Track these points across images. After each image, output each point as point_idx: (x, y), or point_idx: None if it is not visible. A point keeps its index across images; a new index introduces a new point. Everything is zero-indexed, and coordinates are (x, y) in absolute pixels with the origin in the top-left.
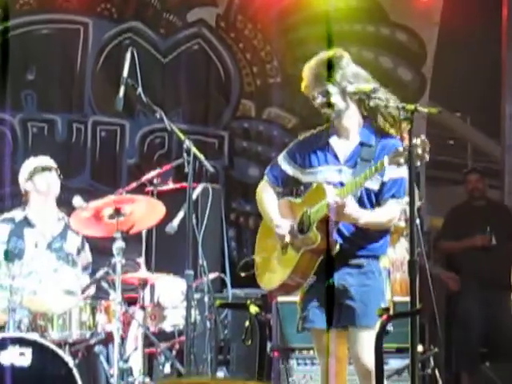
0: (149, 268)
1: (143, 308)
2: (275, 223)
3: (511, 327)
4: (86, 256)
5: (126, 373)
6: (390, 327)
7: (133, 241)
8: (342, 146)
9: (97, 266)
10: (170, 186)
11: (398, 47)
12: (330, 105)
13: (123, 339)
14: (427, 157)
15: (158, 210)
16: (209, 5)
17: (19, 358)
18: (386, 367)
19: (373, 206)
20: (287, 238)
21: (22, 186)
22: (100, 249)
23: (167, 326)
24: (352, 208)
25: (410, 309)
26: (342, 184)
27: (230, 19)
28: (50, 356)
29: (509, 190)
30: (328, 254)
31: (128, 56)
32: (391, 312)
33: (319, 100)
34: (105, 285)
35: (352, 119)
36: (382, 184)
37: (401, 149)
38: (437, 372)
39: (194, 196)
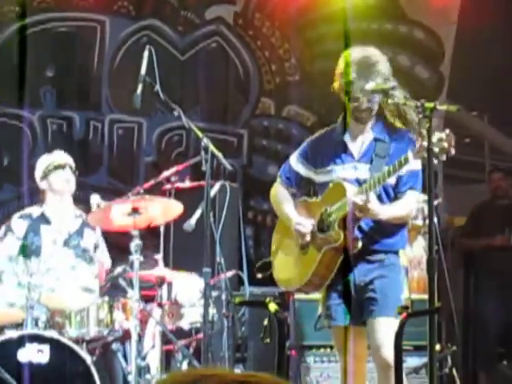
0: (166, 265)
1: (161, 306)
2: (295, 221)
3: None
4: (103, 255)
5: (143, 370)
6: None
7: (151, 238)
8: (356, 143)
9: (114, 264)
10: (188, 184)
11: (416, 45)
12: (370, 109)
13: (140, 337)
14: (453, 150)
15: (175, 208)
16: (226, 2)
17: (37, 355)
18: (403, 365)
19: (390, 200)
20: (308, 237)
21: (38, 184)
22: (118, 246)
23: (185, 324)
24: (375, 204)
25: (428, 307)
26: (357, 180)
27: (248, 17)
28: (67, 353)
29: None
30: (345, 251)
31: (146, 54)
32: (410, 310)
33: (364, 105)
34: (122, 282)
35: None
36: (399, 177)
37: (425, 143)
38: (454, 371)
39: (212, 194)
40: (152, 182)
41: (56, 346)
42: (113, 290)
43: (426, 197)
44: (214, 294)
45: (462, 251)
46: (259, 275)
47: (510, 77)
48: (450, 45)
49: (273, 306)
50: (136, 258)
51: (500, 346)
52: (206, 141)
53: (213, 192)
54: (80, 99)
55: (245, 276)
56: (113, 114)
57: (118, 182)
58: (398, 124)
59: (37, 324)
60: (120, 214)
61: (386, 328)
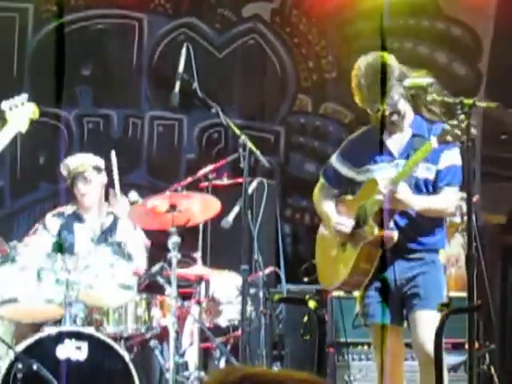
0: (204, 263)
1: (199, 303)
2: (335, 221)
3: None
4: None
5: (181, 367)
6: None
7: (189, 236)
8: (396, 141)
9: (154, 261)
10: (225, 181)
11: (453, 42)
12: (395, 111)
13: (178, 334)
14: (474, 131)
15: (213, 205)
16: (264, 0)
17: (75, 352)
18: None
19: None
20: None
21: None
22: (156, 243)
23: (222, 321)
24: (405, 193)
25: (467, 304)
26: None
27: (285, 14)
28: (105, 350)
29: None
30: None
31: (183, 51)
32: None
33: (388, 111)
34: (160, 279)
35: (404, 114)
36: (438, 172)
37: (447, 127)
38: (492, 369)
39: (250, 191)
40: (189, 179)
41: (94, 342)
42: (151, 287)
43: (463, 194)
44: (252, 291)
45: (500, 248)
46: (305, 279)
47: None
48: (487, 41)
49: (312, 303)
50: (174, 255)
51: None
52: (243, 138)
53: (250, 189)
54: (118, 97)
55: (282, 273)
56: (152, 110)
57: (159, 181)
58: (435, 117)
59: (75, 321)
60: (158, 210)
61: (429, 322)
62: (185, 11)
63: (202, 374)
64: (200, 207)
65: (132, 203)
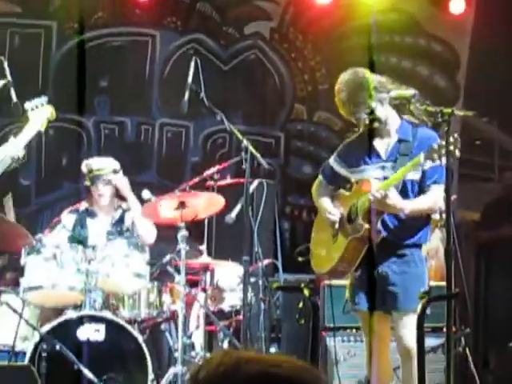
0: (209, 254)
1: (204, 290)
2: (328, 210)
3: None
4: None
5: (188, 348)
6: (427, 310)
7: (196, 230)
8: (383, 145)
9: (164, 253)
10: (229, 180)
11: (434, 57)
12: (376, 119)
13: (186, 318)
14: (458, 154)
15: (218, 202)
16: (264, 19)
17: (94, 333)
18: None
19: (416, 195)
20: (337, 225)
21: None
22: (166, 237)
23: (226, 307)
24: (394, 199)
25: (446, 292)
26: (385, 178)
27: (283, 32)
28: (121, 332)
29: None
30: (370, 243)
31: (192, 64)
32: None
33: (366, 119)
34: (170, 269)
35: (390, 121)
36: (423, 172)
37: (435, 146)
38: (467, 351)
39: (251, 190)
40: (197, 179)
41: (111, 325)
42: (162, 275)
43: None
44: (252, 280)
45: (475, 243)
46: (300, 259)
47: None
48: (465, 56)
49: (307, 291)
50: (182, 247)
51: (508, 329)
52: (245, 142)
53: (251, 188)
54: (132, 106)
55: (279, 264)
56: (162, 118)
57: (166, 180)
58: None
59: (94, 306)
60: (168, 207)
61: (408, 322)
62: (193, 28)
63: (208, 354)
64: (206, 204)
65: (145, 201)
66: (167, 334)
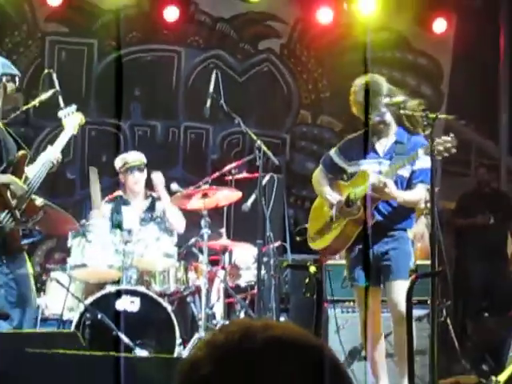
0: (228, 237)
1: (224, 268)
2: (327, 194)
3: (504, 286)
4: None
5: (210, 317)
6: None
7: (216, 217)
8: (382, 144)
9: (189, 236)
10: (245, 175)
11: (420, 69)
12: (383, 121)
13: (208, 292)
14: (454, 150)
15: (235, 193)
16: (275, 37)
17: (130, 305)
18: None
19: (404, 189)
20: (335, 208)
21: (119, 176)
22: (192, 222)
23: (242, 282)
24: (391, 187)
25: (430, 270)
26: (380, 172)
27: (291, 48)
28: (153, 304)
29: (504, 181)
30: (364, 226)
31: (213, 76)
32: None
33: (376, 120)
34: (195, 250)
35: (390, 124)
36: (412, 172)
37: (434, 143)
38: (448, 320)
39: (263, 183)
40: (217, 173)
41: (144, 298)
42: (187, 255)
43: (428, 186)
44: (265, 259)
45: (452, 228)
46: (298, 238)
47: (491, 94)
48: (447, 68)
49: (312, 269)
50: (205, 231)
51: (482, 301)
52: (259, 143)
53: (264, 181)
54: (162, 111)
55: (288, 246)
56: (187, 122)
57: (191, 175)
58: (416, 128)
59: (130, 281)
60: (193, 198)
61: (400, 288)
62: (213, 45)
63: (227, 322)
64: (225, 195)
65: (173, 192)
66: (192, 305)
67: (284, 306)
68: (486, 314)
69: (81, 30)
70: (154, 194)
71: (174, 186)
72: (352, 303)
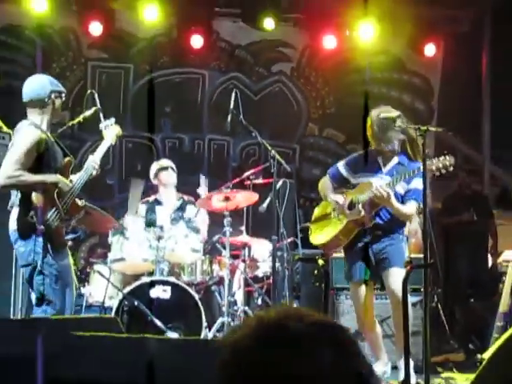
0: (247, 234)
1: (243, 261)
2: (332, 197)
3: (486, 276)
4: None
5: (232, 304)
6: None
7: (237, 217)
8: (385, 163)
9: (214, 233)
10: (261, 180)
11: (414, 88)
12: (392, 151)
13: (230, 281)
14: (451, 168)
15: (253, 196)
16: (286, 61)
17: (162, 293)
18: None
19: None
20: (337, 209)
21: (152, 180)
22: (216, 221)
23: (259, 273)
24: (392, 197)
25: (424, 262)
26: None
27: (300, 70)
28: (182, 292)
29: (487, 185)
30: (362, 227)
31: (233, 95)
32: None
33: (388, 149)
34: (218, 245)
35: (396, 151)
36: (408, 190)
37: (430, 165)
38: (439, 305)
39: (277, 187)
40: (237, 179)
41: (175, 287)
42: (212, 250)
43: (419, 204)
44: (279, 253)
45: (439, 225)
46: (300, 235)
47: (475, 109)
48: (437, 87)
49: (320, 261)
50: (227, 229)
51: (469, 289)
52: (273, 152)
53: (277, 186)
54: (188, 126)
55: (299, 242)
56: (210, 134)
57: (214, 180)
58: (415, 156)
59: (162, 273)
60: (217, 200)
61: (397, 275)
62: (233, 69)
63: (246, 308)
64: (244, 198)
65: (200, 195)
66: (216, 293)
67: (296, 293)
68: (472, 300)
69: (119, 56)
70: (185, 197)
71: (201, 190)
72: None
